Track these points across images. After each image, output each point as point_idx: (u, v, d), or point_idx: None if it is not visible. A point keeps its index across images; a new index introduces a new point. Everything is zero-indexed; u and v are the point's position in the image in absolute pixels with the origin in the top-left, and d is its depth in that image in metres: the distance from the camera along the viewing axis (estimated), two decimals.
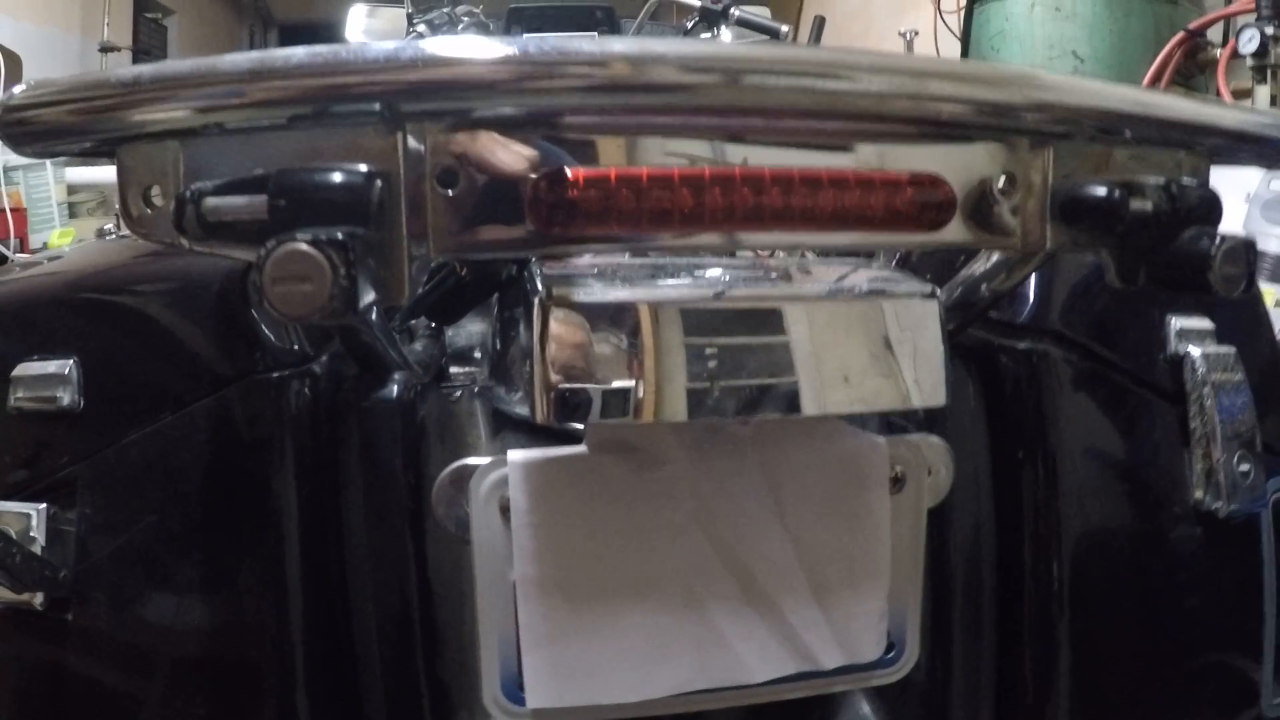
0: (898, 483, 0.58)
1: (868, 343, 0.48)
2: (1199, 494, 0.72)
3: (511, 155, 0.41)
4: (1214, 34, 2.27)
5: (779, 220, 0.42)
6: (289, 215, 0.40)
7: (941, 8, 3.28)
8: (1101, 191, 0.47)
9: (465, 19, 2.14)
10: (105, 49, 4.45)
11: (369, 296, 0.39)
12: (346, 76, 0.41)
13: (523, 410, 0.69)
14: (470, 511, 0.53)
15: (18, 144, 0.44)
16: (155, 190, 0.44)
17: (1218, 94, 2.16)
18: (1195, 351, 0.72)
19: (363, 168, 0.41)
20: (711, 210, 0.41)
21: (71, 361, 0.62)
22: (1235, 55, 2.07)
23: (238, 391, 0.62)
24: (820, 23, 2.34)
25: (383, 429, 0.63)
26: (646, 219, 0.41)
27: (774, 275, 0.53)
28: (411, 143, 0.42)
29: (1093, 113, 0.46)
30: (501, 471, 0.52)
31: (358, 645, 0.63)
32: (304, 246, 0.37)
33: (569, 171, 0.41)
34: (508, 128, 0.41)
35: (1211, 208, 0.49)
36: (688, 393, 0.45)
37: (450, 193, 0.41)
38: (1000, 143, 0.47)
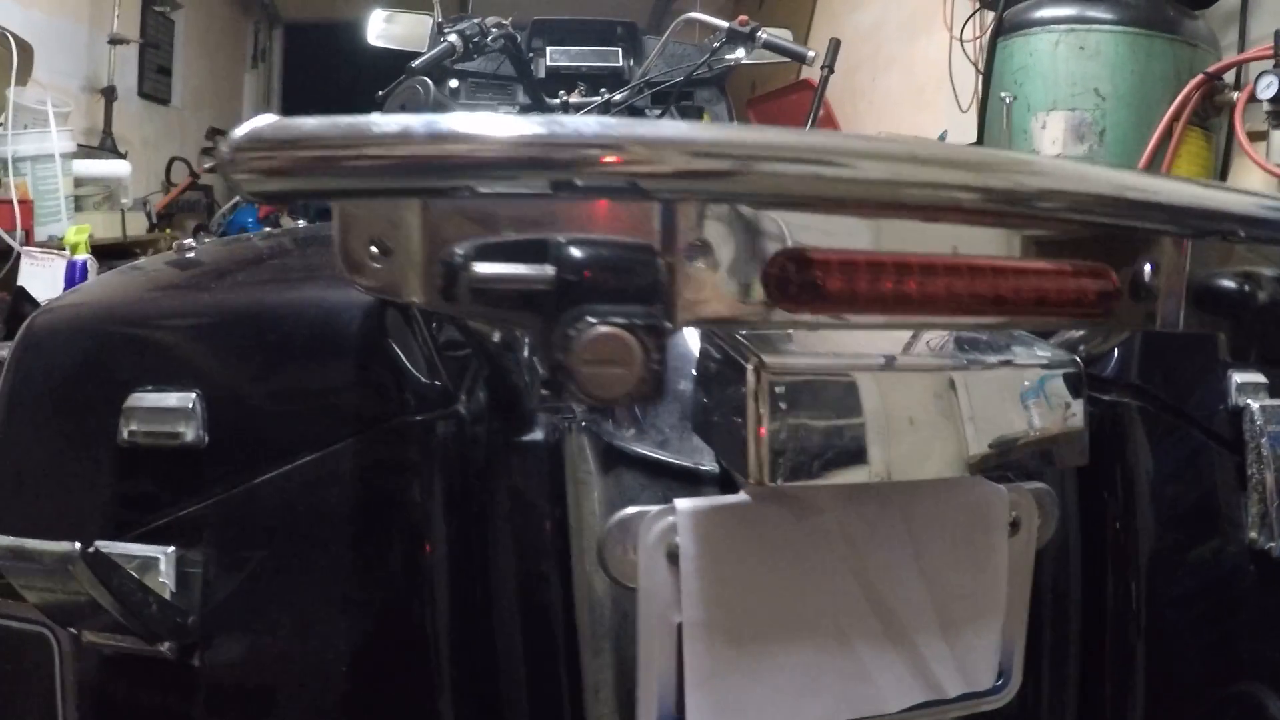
0: (1014, 527, 0.64)
1: (1027, 408, 0.54)
2: (1254, 534, 0.78)
3: (759, 235, 0.44)
4: (1231, 76, 2.33)
5: (988, 304, 0.47)
6: (580, 291, 0.40)
7: (960, 36, 3.34)
8: (1232, 284, 0.54)
9: (494, 30, 2.15)
10: (114, 41, 4.43)
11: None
12: (631, 153, 0.40)
13: (640, 448, 0.73)
14: (638, 557, 0.57)
15: (247, 187, 0.40)
16: (382, 242, 0.43)
17: (1233, 136, 2.23)
18: (1254, 405, 0.79)
19: (645, 243, 0.42)
20: (936, 294, 0.46)
21: (194, 395, 0.59)
22: (1252, 99, 2.12)
23: (385, 433, 0.61)
24: (835, 46, 2.39)
25: (534, 469, 0.65)
26: (882, 301, 0.45)
27: (940, 347, 0.59)
28: (669, 218, 0.43)
29: (1227, 216, 0.52)
30: (670, 519, 0.56)
31: (503, 690, 0.64)
32: (619, 330, 0.39)
33: (812, 254, 0.45)
34: (757, 208, 0.44)
35: None
36: (884, 454, 0.50)
37: (699, 265, 0.44)
38: (1151, 239, 0.53)
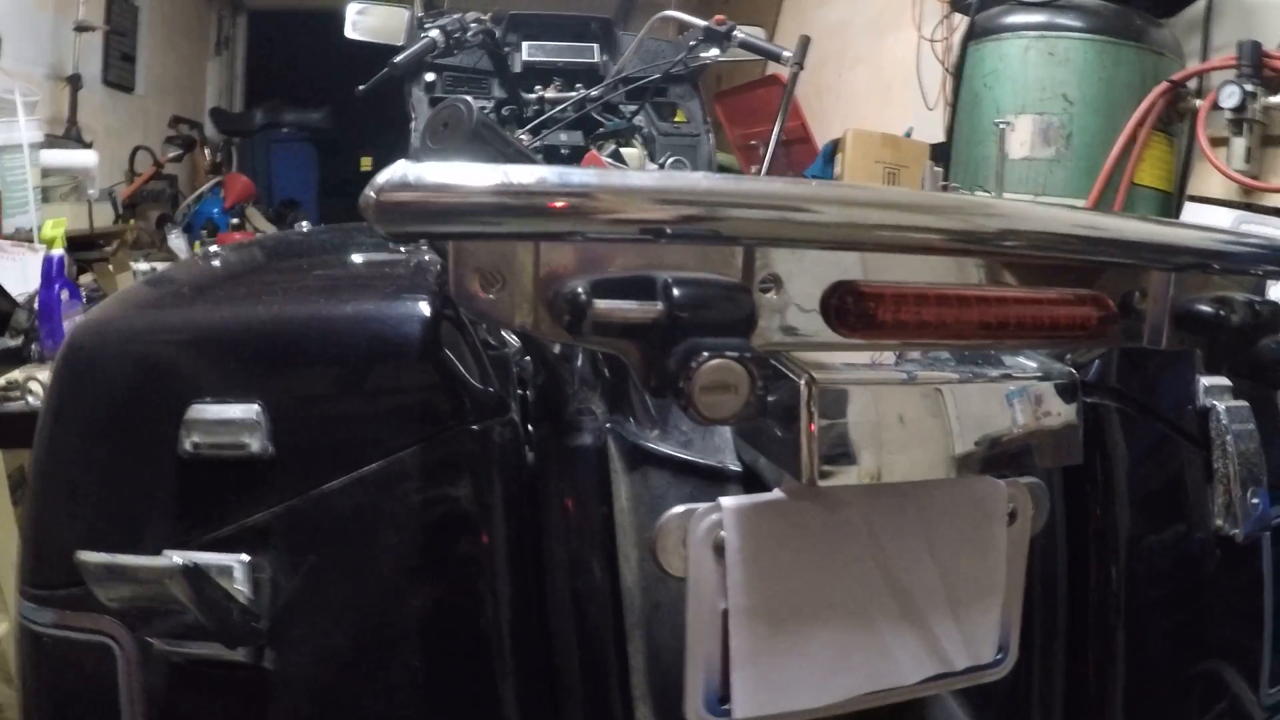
0: (1012, 517, 0.71)
1: (1027, 414, 0.62)
2: (1219, 521, 0.87)
3: (820, 271, 0.52)
4: (1195, 84, 2.44)
5: (1006, 329, 0.56)
6: (690, 324, 0.47)
7: (929, 36, 3.42)
8: (1209, 308, 0.62)
9: (474, 25, 2.16)
10: (80, 28, 4.37)
11: None
12: (734, 210, 0.48)
13: (666, 449, 0.80)
14: (687, 550, 0.62)
15: (383, 223, 0.46)
16: (493, 275, 0.49)
17: (1194, 142, 2.33)
18: (1220, 406, 0.88)
19: (737, 281, 0.50)
20: (964, 320, 0.54)
21: (257, 406, 0.60)
22: (1215, 107, 2.22)
23: (446, 440, 0.63)
24: (805, 43, 2.44)
25: (582, 470, 0.70)
26: (924, 328, 0.54)
27: (950, 362, 0.66)
28: (749, 258, 0.50)
29: (1206, 254, 0.60)
30: (716, 515, 0.63)
31: (559, 671, 0.68)
32: (732, 362, 0.46)
33: (864, 287, 0.53)
34: (821, 248, 0.52)
35: (1278, 319, 0.64)
36: (909, 456, 0.57)
37: (771, 297, 0.52)
38: (1140, 270, 0.62)
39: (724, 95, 5.00)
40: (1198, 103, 2.34)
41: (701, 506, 0.63)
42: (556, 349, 0.68)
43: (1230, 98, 2.14)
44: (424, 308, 0.64)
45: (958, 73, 2.63)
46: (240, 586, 0.60)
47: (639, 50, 2.29)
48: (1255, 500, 0.88)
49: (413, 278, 0.69)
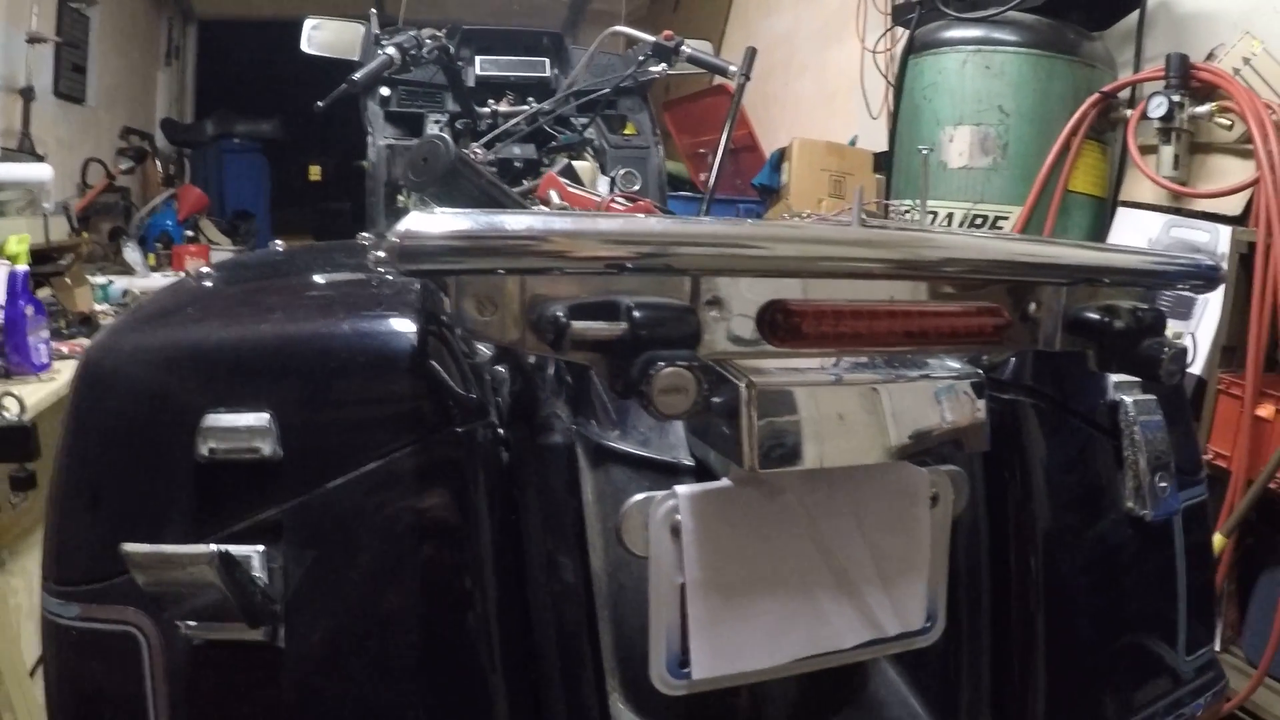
0: (934, 501, 0.81)
1: (942, 408, 0.71)
2: (1130, 504, 0.97)
3: (755, 293, 0.63)
4: (1125, 95, 2.52)
5: (916, 337, 0.66)
6: (648, 339, 0.58)
7: (872, 47, 3.52)
8: (1096, 315, 0.73)
9: (429, 41, 2.20)
10: (33, 40, 4.32)
11: None
12: (680, 248, 0.62)
13: (623, 446, 0.88)
14: (648, 532, 0.71)
15: (403, 261, 0.57)
16: (487, 301, 0.60)
17: (1126, 150, 2.42)
18: (1128, 399, 0.97)
19: (685, 302, 0.61)
20: (878, 332, 0.64)
21: (268, 415, 0.67)
22: (1144, 117, 2.30)
23: (436, 441, 0.70)
24: (751, 54, 2.51)
25: (555, 467, 0.78)
26: (843, 338, 0.64)
27: (877, 365, 0.75)
28: (696, 284, 0.62)
29: (1092, 269, 0.71)
30: (673, 501, 0.71)
31: (538, 646, 0.75)
32: (683, 369, 0.56)
33: (792, 305, 0.64)
34: (756, 274, 0.63)
35: (1161, 323, 0.74)
36: (837, 445, 0.67)
37: (714, 315, 0.63)
38: (1037, 285, 0.72)
39: (673, 104, 5.07)
40: (1129, 112, 2.42)
41: (660, 494, 0.72)
42: (531, 359, 0.76)
43: (1159, 108, 2.21)
44: (412, 324, 0.72)
45: (898, 85, 2.71)
46: (258, 574, 0.66)
47: (590, 64, 2.35)
48: (1163, 484, 0.98)
49: (398, 297, 0.76)
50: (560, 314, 0.59)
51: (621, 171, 2.36)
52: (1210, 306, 2.10)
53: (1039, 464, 0.92)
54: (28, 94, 4.25)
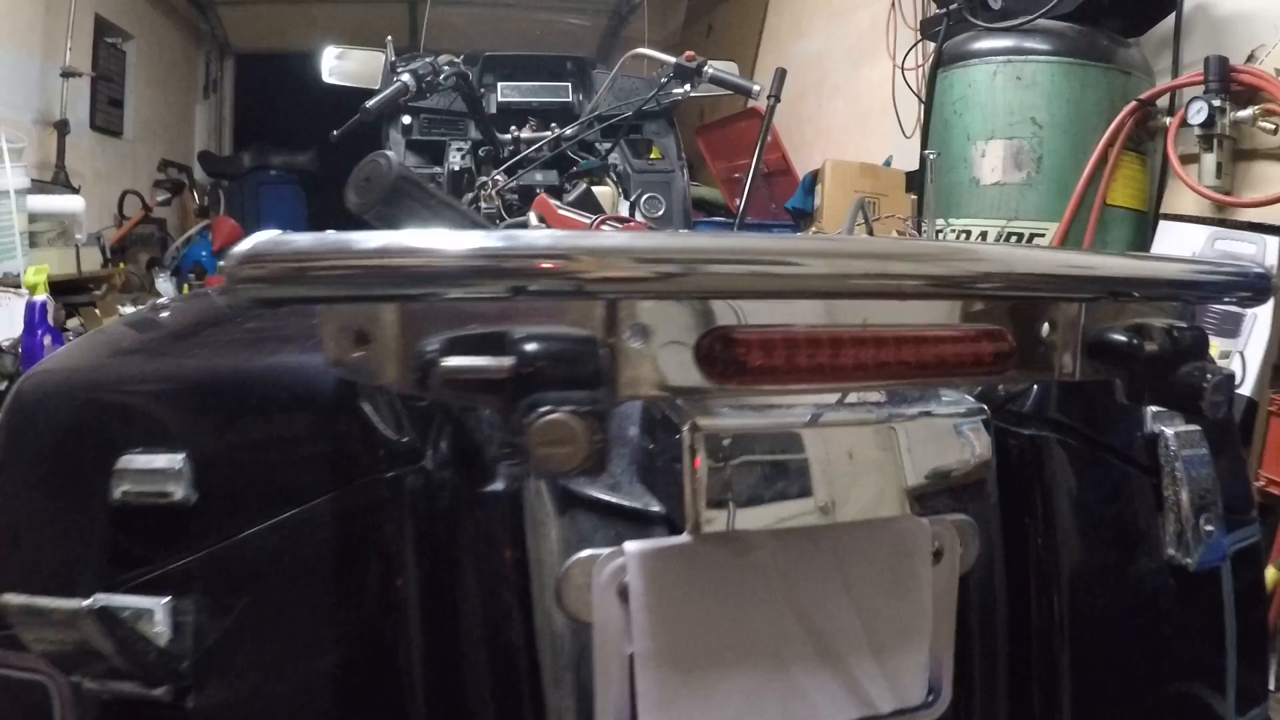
0: (937, 556, 0.69)
1: (939, 453, 0.60)
2: (1171, 550, 0.85)
3: (688, 319, 0.50)
4: (1164, 102, 2.42)
5: (894, 370, 0.53)
6: (534, 380, 0.47)
7: (902, 64, 3.43)
8: (1124, 336, 0.60)
9: (446, 68, 2.17)
10: (67, 74, 4.40)
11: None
12: (569, 264, 0.47)
13: (593, 491, 0.78)
14: (592, 595, 0.61)
15: (241, 294, 0.47)
16: (362, 335, 0.50)
17: (1166, 161, 2.31)
18: (1168, 431, 0.85)
19: (586, 334, 0.49)
20: (847, 364, 0.52)
21: (182, 456, 0.63)
22: (1184, 124, 2.19)
23: (359, 488, 0.65)
24: (781, 75, 2.45)
25: (495, 516, 0.69)
26: (799, 370, 0.51)
27: (865, 403, 0.64)
28: (611, 311, 0.50)
29: (1116, 282, 0.59)
30: (620, 560, 0.61)
31: (474, 714, 0.68)
32: (567, 417, 0.45)
33: (736, 333, 0.51)
34: (689, 298, 0.50)
35: (1202, 345, 0.62)
36: (806, 501, 0.55)
37: (637, 347, 0.50)
38: (1047, 303, 0.60)
39: (706, 129, 5.02)
40: (1167, 120, 2.32)
41: (605, 551, 0.62)
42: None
43: (1199, 114, 2.11)
44: None
45: (928, 100, 2.62)
46: (160, 628, 0.61)
47: (613, 88, 2.32)
48: (1209, 528, 0.86)
49: None
50: (432, 349, 0.49)
51: (645, 196, 2.31)
52: (1260, 322, 1.97)
53: (1065, 508, 0.80)
54: (62, 127, 4.34)
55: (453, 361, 0.48)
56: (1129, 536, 0.84)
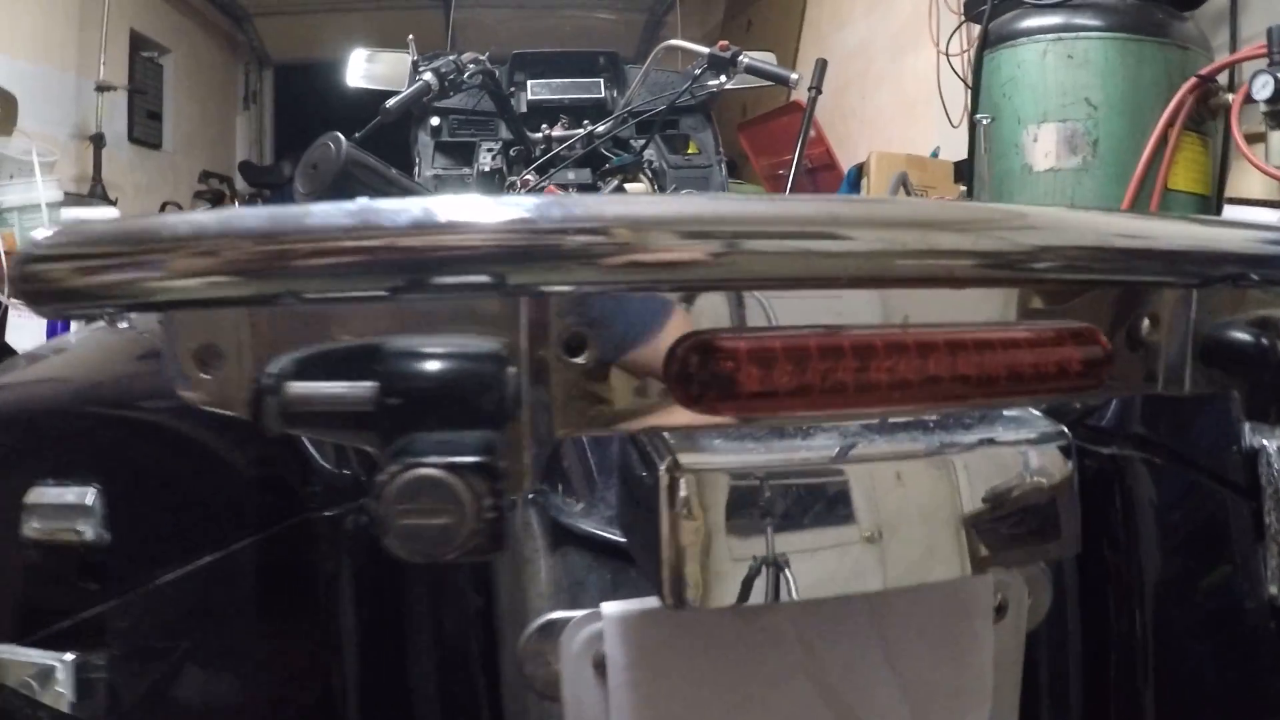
0: (1000, 611, 0.56)
1: (1010, 491, 0.46)
2: (1274, 589, 0.70)
3: (653, 320, 0.37)
4: (1225, 78, 2.30)
5: (945, 387, 0.39)
6: (403, 416, 0.33)
7: (946, 49, 3.29)
8: (1247, 336, 0.46)
9: (471, 66, 2.11)
10: (101, 88, 4.42)
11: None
12: (457, 239, 0.33)
13: (588, 525, 0.67)
14: (561, 668, 0.50)
15: (38, 304, 0.35)
16: (213, 352, 0.38)
17: (1230, 140, 2.19)
18: (1270, 445, 0.70)
19: (484, 347, 0.35)
20: (882, 382, 0.37)
21: (92, 490, 0.56)
22: (1249, 100, 2.08)
23: (289, 530, 0.58)
24: (822, 66, 2.36)
25: (455, 567, 0.59)
26: (813, 392, 0.37)
27: (905, 428, 0.50)
28: (535, 310, 0.36)
29: (1238, 260, 0.44)
30: (596, 626, 0.49)
31: None
32: (437, 473, 0.31)
33: (720, 341, 0.36)
34: (648, 289, 0.37)
35: None
36: (834, 566, 0.42)
37: (579, 362, 0.36)
38: (1148, 291, 0.46)
39: (748, 125, 4.92)
40: (1230, 97, 2.19)
41: (579, 614, 0.51)
42: None
43: (1264, 88, 1.97)
44: None
45: (974, 85, 2.49)
46: (61, 689, 0.55)
47: (646, 83, 2.22)
48: None
49: None
50: (274, 371, 0.36)
51: (681, 194, 2.24)
52: None
53: (1152, 543, 0.67)
54: (98, 141, 4.36)
55: (300, 389, 0.35)
56: (1225, 574, 0.70)
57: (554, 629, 0.50)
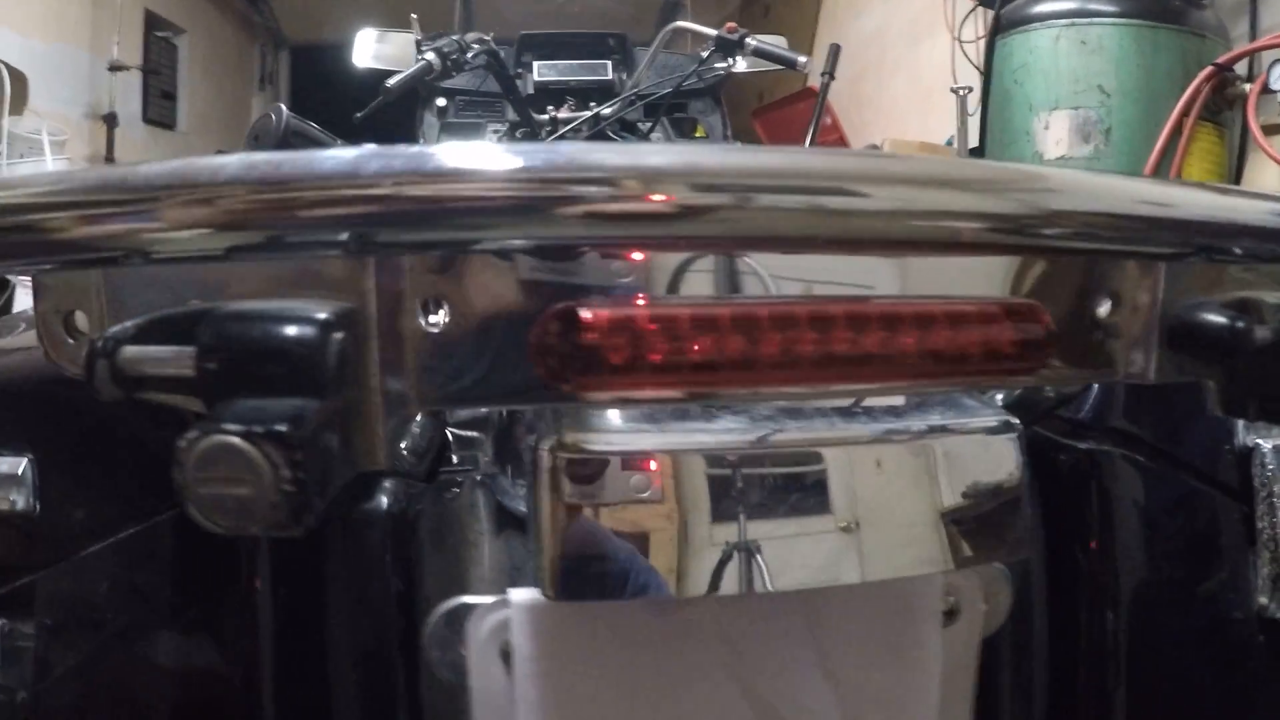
0: (950, 615, 0.52)
1: (933, 492, 0.42)
2: (1264, 599, 0.66)
3: (512, 286, 0.34)
4: (1243, 68, 2.25)
5: (849, 367, 0.34)
6: (223, 381, 0.31)
7: (960, 36, 3.24)
8: (1222, 317, 0.40)
9: (475, 46, 2.08)
10: (114, 68, 4.42)
11: (325, 497, 0.31)
12: (296, 193, 0.31)
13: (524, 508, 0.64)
14: (467, 656, 0.47)
15: None
16: (79, 317, 0.37)
17: (1246, 131, 2.15)
18: (1265, 445, 0.66)
19: (320, 313, 0.32)
20: (767, 359, 0.33)
21: (25, 460, 0.57)
22: (1266, 90, 2.05)
23: None
24: (836, 51, 2.31)
25: (370, 545, 0.56)
26: (686, 369, 0.33)
27: (840, 411, 0.46)
28: (386, 273, 0.33)
29: (1213, 230, 0.39)
30: (503, 613, 0.46)
31: None
32: (236, 440, 0.29)
33: (586, 311, 0.33)
34: (508, 252, 0.34)
35: None
36: (726, 564, 0.38)
37: (437, 331, 0.34)
38: (1109, 264, 0.41)
39: (763, 111, 4.87)
40: (1247, 87, 2.14)
41: (487, 601, 0.48)
42: None
43: None
44: None
45: (986, 71, 2.44)
46: None
47: (654, 65, 2.17)
48: None
49: None
50: (112, 335, 0.34)
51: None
52: None
53: (1131, 546, 0.62)
54: (110, 120, 4.36)
55: (132, 351, 0.33)
56: (1211, 582, 0.65)
57: (461, 614, 0.48)
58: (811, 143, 2.34)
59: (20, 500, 0.56)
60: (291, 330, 0.31)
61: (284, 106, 0.83)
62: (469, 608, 0.48)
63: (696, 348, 0.33)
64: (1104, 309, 0.43)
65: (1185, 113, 2.16)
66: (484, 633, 0.47)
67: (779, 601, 0.47)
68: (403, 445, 0.72)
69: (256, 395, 0.30)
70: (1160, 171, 2.16)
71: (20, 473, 0.56)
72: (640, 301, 0.34)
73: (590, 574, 0.38)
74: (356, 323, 0.33)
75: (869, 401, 0.44)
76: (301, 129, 0.83)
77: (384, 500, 0.57)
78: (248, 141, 0.84)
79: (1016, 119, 2.33)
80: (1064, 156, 2.25)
